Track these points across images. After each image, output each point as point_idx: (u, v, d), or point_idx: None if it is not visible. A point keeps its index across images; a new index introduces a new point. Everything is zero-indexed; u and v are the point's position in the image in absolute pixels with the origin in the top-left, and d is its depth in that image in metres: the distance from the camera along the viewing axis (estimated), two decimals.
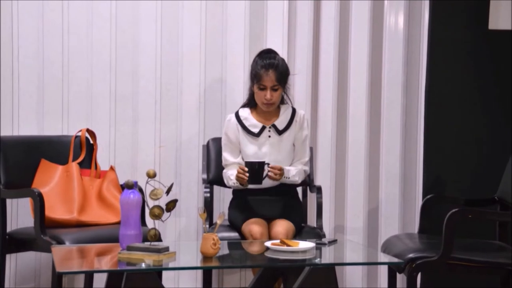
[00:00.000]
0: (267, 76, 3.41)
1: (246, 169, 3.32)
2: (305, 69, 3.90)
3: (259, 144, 3.48)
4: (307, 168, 3.54)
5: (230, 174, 3.45)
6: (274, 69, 3.42)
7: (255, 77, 3.44)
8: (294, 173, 3.45)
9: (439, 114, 3.92)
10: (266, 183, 3.42)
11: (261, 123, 3.51)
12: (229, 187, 3.55)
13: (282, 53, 3.75)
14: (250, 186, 3.45)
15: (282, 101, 3.55)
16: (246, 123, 3.51)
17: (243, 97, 3.71)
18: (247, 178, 3.32)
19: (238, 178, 3.36)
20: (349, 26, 3.95)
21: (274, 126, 3.51)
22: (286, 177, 3.44)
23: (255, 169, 3.31)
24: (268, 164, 3.37)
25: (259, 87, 3.44)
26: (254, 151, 3.47)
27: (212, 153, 3.71)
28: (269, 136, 3.50)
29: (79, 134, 3.59)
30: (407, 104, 4.00)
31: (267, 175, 3.36)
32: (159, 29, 3.80)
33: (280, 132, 3.50)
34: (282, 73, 3.44)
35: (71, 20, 3.71)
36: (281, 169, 3.38)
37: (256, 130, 3.50)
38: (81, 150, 3.56)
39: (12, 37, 3.65)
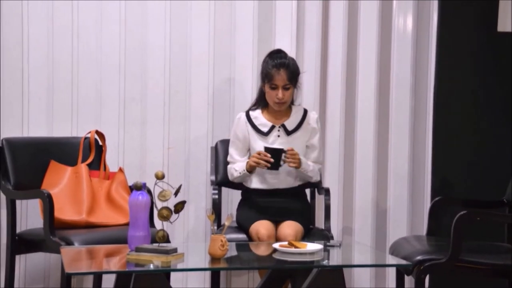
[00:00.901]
0: (279, 75, 3.42)
1: (269, 155, 3.35)
2: (313, 70, 3.89)
3: (268, 143, 3.49)
4: (321, 166, 3.57)
5: (235, 166, 3.48)
6: (286, 69, 3.43)
7: (266, 77, 3.45)
8: (311, 168, 3.48)
9: (448, 115, 3.91)
10: (281, 182, 3.46)
11: (271, 123, 3.52)
12: (232, 182, 3.55)
13: (291, 54, 3.74)
14: (257, 186, 3.46)
15: (293, 102, 3.56)
16: (256, 122, 3.52)
17: (251, 98, 3.72)
18: (268, 164, 3.34)
19: (256, 162, 3.36)
20: (358, 27, 3.95)
21: (283, 126, 3.52)
22: (305, 170, 3.45)
23: (276, 155, 3.35)
24: (286, 151, 3.39)
25: (271, 87, 3.45)
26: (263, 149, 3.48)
27: (221, 155, 3.72)
28: (278, 136, 3.50)
29: (88, 135, 3.60)
30: (416, 105, 3.99)
31: (284, 161, 3.39)
32: (167, 31, 3.81)
33: (289, 133, 3.50)
34: (293, 72, 3.45)
35: (80, 22, 3.73)
36: (297, 156, 3.40)
37: (265, 129, 3.51)
38: (90, 152, 3.58)
39: (22, 40, 3.67)
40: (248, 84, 3.86)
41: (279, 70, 3.43)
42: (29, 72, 3.70)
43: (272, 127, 3.51)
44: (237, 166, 3.49)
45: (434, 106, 3.92)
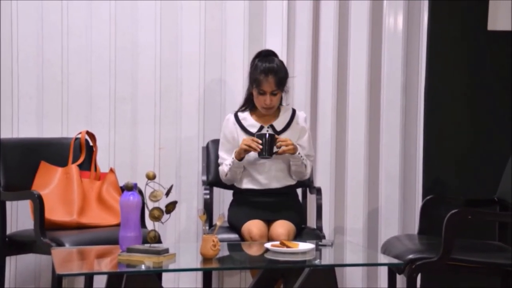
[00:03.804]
0: (267, 81, 3.42)
1: (260, 141, 3.34)
2: (304, 70, 3.90)
3: None
4: (312, 159, 3.55)
5: (226, 161, 3.46)
6: (274, 75, 3.42)
7: (255, 82, 3.45)
8: (305, 158, 3.45)
9: (439, 114, 3.92)
10: (273, 182, 3.45)
11: (259, 123, 3.52)
12: (224, 182, 3.53)
13: (282, 54, 3.75)
14: (249, 186, 3.46)
15: (282, 102, 3.56)
16: (245, 123, 3.52)
17: (242, 98, 3.71)
18: (258, 149, 3.33)
19: (247, 145, 3.34)
20: (348, 27, 3.95)
21: (272, 126, 3.52)
22: (301, 157, 3.42)
23: (268, 141, 3.34)
24: (277, 138, 3.39)
25: (259, 92, 3.45)
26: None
27: (212, 155, 3.71)
28: None
29: (79, 136, 3.59)
30: (407, 104, 4.00)
31: (277, 151, 3.37)
32: (158, 31, 3.80)
33: (278, 133, 3.50)
34: (281, 78, 3.44)
35: (71, 22, 3.72)
36: (290, 141, 3.38)
37: (254, 130, 3.50)
38: (80, 152, 3.56)
39: (11, 39, 3.66)
40: (239, 84, 3.85)
41: (267, 76, 3.42)
42: (19, 73, 3.68)
43: (261, 128, 3.50)
44: (227, 161, 3.48)
45: (425, 105, 3.93)
